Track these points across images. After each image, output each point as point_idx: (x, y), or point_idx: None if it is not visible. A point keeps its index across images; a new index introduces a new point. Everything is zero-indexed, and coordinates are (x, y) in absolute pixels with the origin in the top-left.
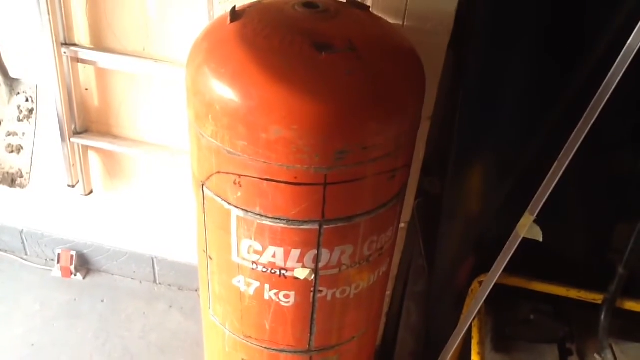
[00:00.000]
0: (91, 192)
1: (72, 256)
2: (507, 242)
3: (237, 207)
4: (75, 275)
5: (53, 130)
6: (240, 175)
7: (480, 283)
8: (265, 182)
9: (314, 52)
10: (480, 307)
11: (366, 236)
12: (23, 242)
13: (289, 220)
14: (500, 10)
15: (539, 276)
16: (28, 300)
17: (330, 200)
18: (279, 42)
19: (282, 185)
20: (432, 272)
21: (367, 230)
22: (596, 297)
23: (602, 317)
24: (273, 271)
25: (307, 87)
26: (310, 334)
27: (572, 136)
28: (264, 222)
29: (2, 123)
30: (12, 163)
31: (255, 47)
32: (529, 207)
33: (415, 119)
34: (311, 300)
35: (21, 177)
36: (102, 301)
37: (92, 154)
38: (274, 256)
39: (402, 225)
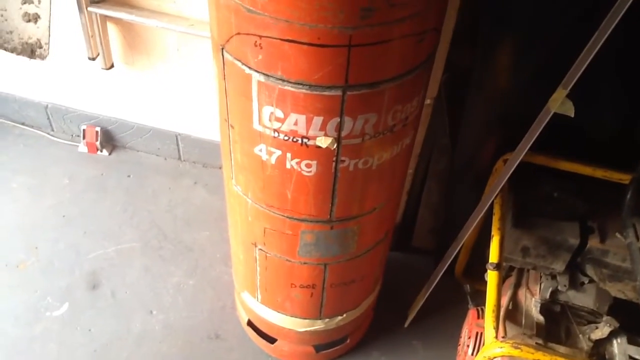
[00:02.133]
0: (112, 66)
1: (97, 132)
2: (537, 118)
3: (258, 71)
4: (101, 151)
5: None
6: (260, 36)
7: (505, 162)
8: (287, 43)
9: None
10: (503, 185)
11: (391, 105)
12: (49, 118)
13: (311, 86)
14: None
15: (564, 154)
16: (57, 174)
17: (355, 64)
18: None
19: (305, 46)
20: (455, 150)
21: (392, 99)
22: (623, 177)
23: (628, 196)
24: (295, 139)
25: None
26: (332, 204)
27: (612, 10)
28: (286, 88)
29: None
30: (30, 33)
31: None
32: (563, 81)
33: None
34: (333, 170)
35: (40, 47)
36: (129, 176)
37: (111, 26)
38: (295, 124)
39: (428, 101)
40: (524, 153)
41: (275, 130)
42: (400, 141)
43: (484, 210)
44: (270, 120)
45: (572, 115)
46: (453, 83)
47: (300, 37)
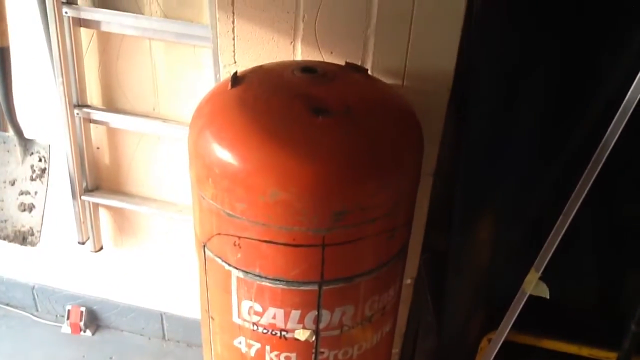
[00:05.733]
0: (101, 248)
1: (82, 312)
2: (514, 300)
3: (237, 268)
4: (84, 331)
5: (64, 188)
6: (239, 237)
7: (490, 340)
8: (265, 243)
9: (311, 116)
10: None
11: (367, 296)
12: (34, 298)
13: (289, 282)
14: (503, 73)
15: (549, 332)
16: (38, 357)
17: (329, 261)
18: (278, 107)
19: (281, 247)
20: (441, 328)
21: (367, 290)
22: (609, 356)
23: None
24: (274, 332)
25: (303, 151)
26: None
27: (576, 189)
28: (264, 284)
29: (15, 182)
30: (24, 221)
31: (254, 111)
32: (535, 264)
33: (413, 177)
34: None
35: (32, 235)
36: (111, 358)
37: (102, 211)
38: (274, 317)
39: (408, 281)
40: (505, 333)
41: (254, 324)
42: (380, 329)
43: None
44: (249, 313)
45: (547, 297)
46: (433, 262)
47: (276, 238)
